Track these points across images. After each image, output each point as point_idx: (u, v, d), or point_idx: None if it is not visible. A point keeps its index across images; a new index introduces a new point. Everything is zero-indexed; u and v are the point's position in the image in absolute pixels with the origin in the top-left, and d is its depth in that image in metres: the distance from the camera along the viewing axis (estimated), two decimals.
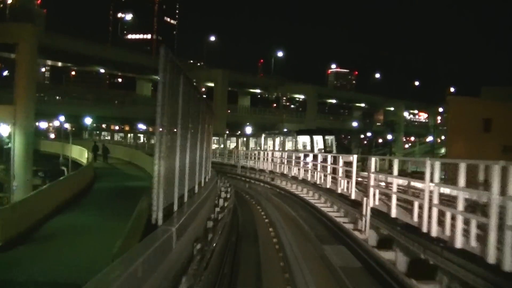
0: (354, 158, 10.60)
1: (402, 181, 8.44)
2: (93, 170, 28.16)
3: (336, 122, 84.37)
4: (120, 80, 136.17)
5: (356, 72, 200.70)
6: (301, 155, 18.62)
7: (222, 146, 38.53)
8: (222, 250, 7.01)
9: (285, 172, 19.46)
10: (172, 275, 4.31)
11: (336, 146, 27.64)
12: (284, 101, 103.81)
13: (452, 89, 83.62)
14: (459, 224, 4.96)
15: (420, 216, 6.07)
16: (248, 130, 57.07)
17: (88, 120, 50.88)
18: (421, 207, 6.10)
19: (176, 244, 4.52)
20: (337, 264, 6.74)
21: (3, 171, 35.74)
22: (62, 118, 49.11)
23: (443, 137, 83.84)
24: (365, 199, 8.70)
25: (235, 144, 37.05)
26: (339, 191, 11.52)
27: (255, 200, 15.84)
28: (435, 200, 5.62)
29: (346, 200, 10.82)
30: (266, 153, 24.68)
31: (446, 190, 6.73)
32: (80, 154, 35.62)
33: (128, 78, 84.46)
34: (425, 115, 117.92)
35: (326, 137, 27.04)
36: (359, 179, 11.67)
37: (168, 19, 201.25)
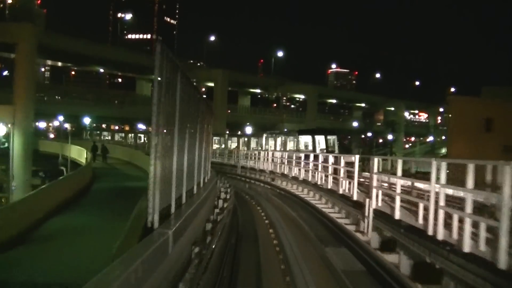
0: (356, 158, 10.42)
1: (405, 182, 8.24)
2: (92, 170, 27.98)
3: (336, 122, 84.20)
4: (120, 80, 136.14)
5: (356, 72, 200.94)
6: (302, 155, 18.42)
7: (223, 146, 38.30)
8: (221, 251, 6.84)
9: (285, 173, 19.28)
10: (168, 281, 4.14)
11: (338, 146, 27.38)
12: (284, 101, 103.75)
13: (452, 89, 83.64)
14: (467, 227, 4.78)
15: (425, 218, 5.88)
16: (248, 130, 56.86)
17: (86, 120, 50.69)
18: (426, 209, 5.92)
19: (173, 248, 4.34)
20: (340, 267, 6.56)
21: (2, 171, 35.61)
22: (62, 118, 49.09)
23: (443, 137, 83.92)
24: (367, 200, 8.52)
25: (236, 144, 36.75)
26: (341, 192, 11.35)
27: (255, 201, 15.66)
28: (442, 202, 5.44)
29: (347, 201, 10.64)
30: (266, 153, 24.49)
31: (450, 191, 6.54)
32: (79, 154, 35.46)
33: (128, 78, 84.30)
34: (425, 115, 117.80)
35: (328, 137, 26.73)
36: (361, 179, 11.50)
37: (168, 19, 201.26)
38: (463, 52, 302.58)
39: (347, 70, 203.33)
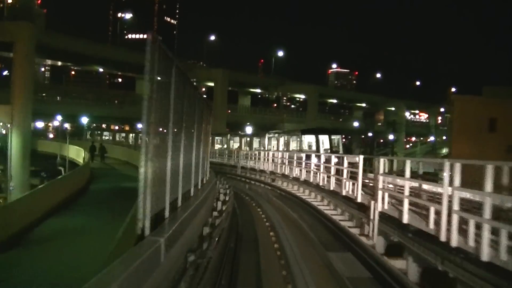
0: (360, 158, 10.05)
1: (415, 184, 7.85)
2: (90, 170, 27.63)
3: (336, 122, 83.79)
4: (120, 80, 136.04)
5: (357, 72, 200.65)
6: (303, 155, 18.03)
7: (225, 146, 37.84)
8: (220, 257, 6.48)
9: (286, 173, 18.93)
10: None
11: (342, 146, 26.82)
12: (284, 101, 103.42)
13: (453, 89, 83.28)
14: (486, 234, 4.40)
15: (437, 223, 5.51)
16: (249, 130, 56.45)
17: (84, 120, 50.41)
18: (437, 213, 5.55)
19: (165, 257, 3.98)
20: (345, 274, 6.19)
21: (0, 171, 35.29)
22: (62, 118, 48.78)
23: (444, 137, 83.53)
24: (372, 202, 8.15)
25: (238, 144, 36.23)
26: (344, 193, 10.99)
27: (255, 202, 15.31)
28: (455, 206, 5.07)
29: (351, 203, 10.28)
30: (266, 153, 24.11)
31: (465, 194, 6.15)
32: (78, 154, 35.15)
33: (128, 78, 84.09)
34: (426, 115, 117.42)
35: (333, 137, 26.11)
36: (366, 180, 11.14)
37: (168, 19, 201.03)
38: (463, 52, 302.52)
39: (347, 70, 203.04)
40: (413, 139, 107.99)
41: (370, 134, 80.00)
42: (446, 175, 5.38)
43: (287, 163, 19.32)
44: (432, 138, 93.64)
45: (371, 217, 8.14)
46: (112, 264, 2.95)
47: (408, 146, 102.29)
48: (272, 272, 6.61)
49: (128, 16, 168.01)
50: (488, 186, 4.51)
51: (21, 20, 55.56)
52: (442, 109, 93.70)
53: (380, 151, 75.17)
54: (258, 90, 79.45)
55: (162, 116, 4.58)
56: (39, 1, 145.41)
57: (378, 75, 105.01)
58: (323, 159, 14.54)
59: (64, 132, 51.55)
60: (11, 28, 38.11)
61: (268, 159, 22.57)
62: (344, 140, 29.40)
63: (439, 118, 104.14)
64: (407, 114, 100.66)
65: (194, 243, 5.91)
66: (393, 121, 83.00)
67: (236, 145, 36.18)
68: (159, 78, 4.26)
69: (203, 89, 75.01)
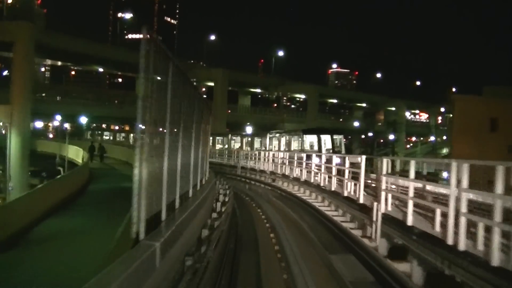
0: (362, 159, 9.86)
1: (420, 185, 7.66)
2: (89, 170, 27.46)
3: (337, 122, 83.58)
4: (120, 80, 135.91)
5: (357, 72, 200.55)
6: (304, 155, 17.84)
7: (226, 146, 37.59)
8: (219, 260, 6.30)
9: (286, 173, 18.75)
10: None
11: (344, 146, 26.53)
12: (284, 101, 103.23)
13: (453, 89, 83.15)
14: (496, 238, 4.23)
15: (443, 225, 5.33)
16: (249, 130, 56.25)
17: (84, 120, 50.29)
18: (443, 215, 5.36)
19: (161, 262, 3.80)
20: (348, 278, 6.01)
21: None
22: (61, 118, 48.60)
23: (444, 137, 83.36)
24: (375, 203, 7.97)
25: (239, 144, 35.96)
26: (345, 194, 10.80)
27: (255, 202, 15.14)
28: (463, 208, 4.89)
29: (353, 204, 10.09)
30: (266, 153, 23.92)
31: (473, 196, 5.96)
32: (77, 154, 34.98)
33: (128, 78, 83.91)
34: (426, 115, 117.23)
35: (335, 137, 25.78)
36: (368, 181, 10.95)
37: (168, 19, 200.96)
38: (463, 52, 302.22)
39: (348, 70, 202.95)
40: (413, 139, 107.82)
41: (370, 134, 79.85)
42: (453, 175, 5.20)
43: (287, 163, 19.14)
44: (432, 138, 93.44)
45: (374, 218, 7.95)
46: (101, 273, 2.77)
47: (408, 146, 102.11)
48: (273, 275, 6.45)
49: (128, 16, 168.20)
50: (499, 187, 4.33)
51: (21, 20, 55.53)
52: (442, 109, 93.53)
53: (381, 151, 75.04)
54: (258, 90, 79.25)
55: (158, 115, 4.41)
56: (39, 1, 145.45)
57: (378, 75, 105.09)
58: (324, 159, 14.36)
59: (64, 132, 51.39)
60: (11, 28, 37.98)
61: (268, 159, 22.39)
62: (344, 140, 28.99)
63: (440, 118, 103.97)
64: (407, 114, 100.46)
65: (192, 246, 5.73)
66: (393, 121, 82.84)
67: (237, 145, 35.91)
68: (158, 78, 4.07)
69: (203, 89, 74.82)
